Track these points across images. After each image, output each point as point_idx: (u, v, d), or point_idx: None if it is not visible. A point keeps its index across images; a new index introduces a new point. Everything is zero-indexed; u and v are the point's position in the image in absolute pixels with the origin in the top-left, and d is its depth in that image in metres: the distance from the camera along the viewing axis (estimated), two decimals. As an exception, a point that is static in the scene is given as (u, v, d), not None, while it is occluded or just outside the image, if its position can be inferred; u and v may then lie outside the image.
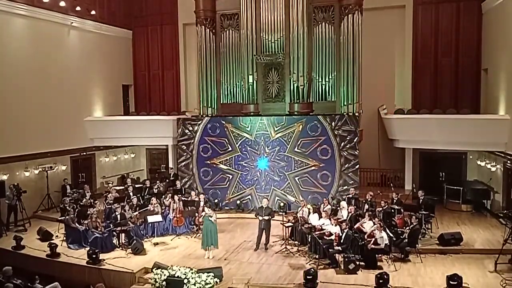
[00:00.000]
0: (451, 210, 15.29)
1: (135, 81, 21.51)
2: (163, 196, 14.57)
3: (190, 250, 12.06)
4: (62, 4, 16.50)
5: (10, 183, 14.44)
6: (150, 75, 21.37)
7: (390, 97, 17.97)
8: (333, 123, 15.04)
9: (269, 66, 16.43)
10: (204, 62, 16.98)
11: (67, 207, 13.55)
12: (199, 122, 16.53)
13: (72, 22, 17.46)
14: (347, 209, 12.53)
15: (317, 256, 11.02)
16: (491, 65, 15.84)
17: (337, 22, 15.66)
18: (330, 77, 15.80)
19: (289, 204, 15.52)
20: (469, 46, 17.05)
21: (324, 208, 12.90)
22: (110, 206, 13.83)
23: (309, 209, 12.86)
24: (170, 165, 18.63)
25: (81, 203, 14.41)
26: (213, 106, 17.09)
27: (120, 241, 12.40)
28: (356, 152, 14.93)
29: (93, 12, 18.43)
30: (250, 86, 16.23)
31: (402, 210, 12.75)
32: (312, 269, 9.76)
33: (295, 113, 15.65)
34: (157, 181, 16.77)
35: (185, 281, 9.38)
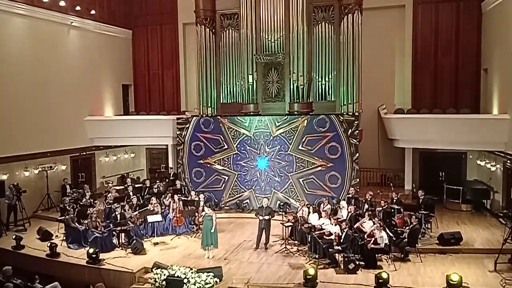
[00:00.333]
0: (451, 210, 15.29)
1: (135, 80, 21.51)
2: (163, 196, 14.57)
3: (190, 250, 12.06)
4: (62, 3, 16.51)
5: (10, 183, 14.44)
6: (150, 74, 21.37)
7: (390, 97, 17.97)
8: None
9: (269, 65, 16.43)
10: (204, 62, 16.98)
11: (67, 207, 13.54)
12: (187, 126, 16.25)
13: (72, 22, 17.46)
14: (347, 209, 12.52)
15: (317, 256, 11.02)
16: (491, 64, 15.84)
17: (337, 21, 15.67)
18: (330, 76, 15.80)
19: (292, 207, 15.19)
20: (469, 46, 17.05)
21: (324, 207, 12.91)
22: (110, 206, 13.82)
23: (308, 208, 12.87)
24: (170, 164, 18.62)
25: (81, 203, 14.40)
26: (213, 106, 17.09)
27: (120, 241, 12.40)
28: (356, 141, 14.69)
29: (93, 12, 18.44)
30: (250, 85, 16.23)
31: (402, 210, 12.74)
32: (312, 269, 9.76)
33: (295, 112, 15.64)
34: (157, 181, 16.76)
35: (185, 280, 9.38)
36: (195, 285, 9.34)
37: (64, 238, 12.64)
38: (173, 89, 21.07)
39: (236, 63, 16.70)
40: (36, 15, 15.84)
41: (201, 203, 13.74)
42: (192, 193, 14.78)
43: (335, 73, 15.74)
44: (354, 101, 15.29)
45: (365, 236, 10.98)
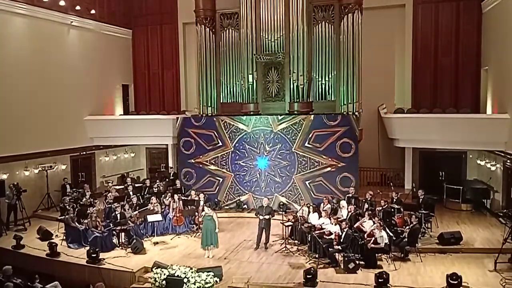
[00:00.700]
0: (451, 209, 15.28)
1: (135, 80, 21.51)
2: (163, 196, 14.57)
3: (190, 250, 12.06)
4: (62, 3, 16.51)
5: (10, 183, 14.44)
6: (150, 74, 21.37)
7: (390, 96, 17.97)
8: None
9: (269, 65, 16.42)
10: (204, 62, 16.98)
11: (67, 207, 13.55)
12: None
13: (72, 22, 17.45)
14: (347, 208, 12.53)
15: (317, 255, 11.02)
16: (491, 64, 15.84)
17: (337, 21, 15.66)
18: (330, 76, 15.80)
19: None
20: (469, 46, 17.04)
21: (324, 207, 12.91)
22: (110, 205, 13.83)
23: (308, 208, 12.87)
24: (170, 164, 18.62)
25: (81, 203, 14.40)
26: (213, 106, 17.08)
27: (120, 241, 12.40)
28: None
29: (92, 12, 18.44)
30: (250, 85, 16.22)
31: (402, 210, 12.74)
32: (312, 268, 9.76)
33: (295, 112, 15.62)
34: (157, 181, 16.74)
35: (185, 280, 9.38)
36: (195, 284, 9.34)
37: (64, 237, 12.64)
38: (173, 89, 21.07)
39: (236, 62, 16.70)
40: (36, 15, 15.84)
41: (201, 203, 13.73)
42: (192, 192, 14.76)
43: (335, 72, 15.73)
44: (354, 101, 15.28)
45: (365, 235, 10.97)
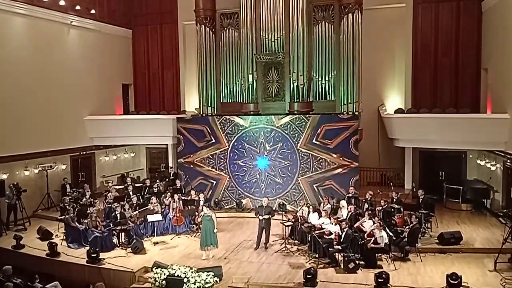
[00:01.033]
0: (451, 209, 15.28)
1: (135, 80, 21.51)
2: (163, 195, 14.56)
3: (190, 249, 12.06)
4: (62, 3, 16.49)
5: (10, 182, 14.44)
6: (150, 74, 21.36)
7: (390, 96, 17.97)
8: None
9: (269, 65, 16.41)
10: (204, 61, 16.97)
11: (67, 206, 13.55)
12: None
13: (72, 21, 17.45)
14: (347, 208, 12.52)
15: (317, 255, 11.02)
16: (491, 64, 15.84)
17: (337, 21, 15.66)
18: (330, 76, 15.78)
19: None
20: (469, 45, 17.05)
21: (324, 207, 12.91)
22: (110, 205, 13.83)
23: (308, 208, 12.86)
24: (170, 164, 18.62)
25: (81, 202, 14.41)
26: (213, 105, 17.07)
27: (120, 240, 12.40)
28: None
29: (92, 11, 18.43)
30: (250, 85, 16.21)
31: (402, 209, 12.74)
32: (312, 268, 9.77)
33: (295, 112, 15.62)
34: (157, 180, 16.73)
35: (185, 280, 9.39)
36: (195, 284, 9.34)
37: (64, 237, 12.64)
38: (173, 89, 21.07)
39: (236, 62, 16.69)
40: (36, 15, 15.83)
41: (201, 203, 13.73)
42: (192, 192, 14.75)
43: (335, 72, 15.72)
44: (354, 101, 15.26)
45: (365, 235, 10.97)
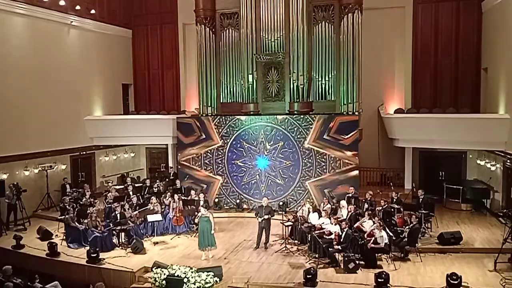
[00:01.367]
0: (450, 209, 15.28)
1: (135, 80, 21.50)
2: (163, 195, 14.56)
3: (190, 249, 12.05)
4: (62, 3, 16.48)
5: (10, 182, 14.43)
6: (150, 74, 21.36)
7: (390, 96, 17.97)
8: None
9: (269, 65, 16.40)
10: (204, 61, 16.96)
11: (67, 206, 13.54)
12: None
13: (72, 21, 17.45)
14: (347, 208, 12.52)
15: (317, 255, 11.02)
16: (491, 64, 15.85)
17: (337, 21, 15.65)
18: (330, 76, 15.77)
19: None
20: (469, 45, 17.06)
21: (324, 207, 12.91)
22: (110, 205, 13.82)
23: (308, 208, 12.86)
24: (170, 164, 18.62)
25: (81, 202, 14.41)
26: (213, 105, 17.06)
27: (120, 240, 12.40)
28: None
29: (92, 11, 18.43)
30: (250, 85, 16.20)
31: (401, 209, 12.75)
32: (312, 268, 9.76)
33: (295, 112, 15.61)
34: (157, 180, 16.75)
35: (185, 280, 9.39)
36: (195, 284, 9.35)
37: (64, 237, 12.64)
38: (173, 89, 21.06)
39: (236, 62, 16.68)
40: (36, 15, 15.83)
41: (201, 203, 13.72)
42: (192, 192, 14.74)
43: (335, 72, 15.71)
44: (354, 101, 15.25)
45: (365, 235, 10.98)
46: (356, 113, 15.14)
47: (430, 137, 15.00)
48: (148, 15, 20.94)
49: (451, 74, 17.35)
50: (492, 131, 13.92)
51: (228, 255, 11.60)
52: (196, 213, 13.45)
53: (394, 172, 17.20)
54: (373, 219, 11.27)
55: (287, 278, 10.01)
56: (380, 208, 12.63)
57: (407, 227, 11.40)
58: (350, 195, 13.77)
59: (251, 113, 16.10)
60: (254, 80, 16.21)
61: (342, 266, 10.37)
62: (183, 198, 14.27)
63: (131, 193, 14.88)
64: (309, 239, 11.55)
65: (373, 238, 10.70)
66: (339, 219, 11.74)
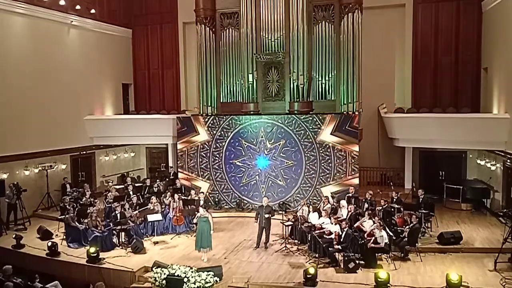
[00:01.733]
0: (450, 209, 15.28)
1: (135, 80, 21.51)
2: (163, 195, 14.57)
3: (190, 249, 12.03)
4: (62, 2, 16.49)
5: (10, 182, 14.43)
6: (150, 74, 21.37)
7: (390, 96, 17.98)
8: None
9: (269, 65, 16.40)
10: (204, 61, 16.96)
11: (67, 206, 13.56)
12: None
13: (72, 21, 17.45)
14: (347, 208, 12.52)
15: (317, 255, 11.03)
16: (491, 64, 15.84)
17: (337, 21, 15.65)
18: (330, 76, 15.77)
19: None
20: (469, 45, 17.05)
21: (324, 207, 12.91)
22: (110, 205, 13.83)
23: (308, 208, 12.86)
24: (170, 164, 18.63)
25: (81, 202, 14.42)
26: (213, 105, 17.05)
27: (120, 240, 12.41)
28: None
29: (92, 11, 18.43)
30: (250, 85, 16.19)
31: (402, 209, 12.75)
32: (312, 268, 9.76)
33: (295, 112, 15.60)
34: (157, 180, 16.76)
35: (185, 280, 9.39)
36: (195, 284, 9.35)
37: (64, 237, 12.65)
38: (173, 88, 21.07)
39: (236, 62, 16.68)
40: (36, 14, 15.83)
41: (201, 203, 13.72)
42: (192, 192, 14.75)
43: (335, 72, 15.70)
44: (354, 100, 15.25)
45: (365, 235, 10.97)
46: (356, 113, 15.14)
47: (430, 136, 14.99)
48: (148, 15, 20.95)
49: (451, 74, 17.35)
50: (492, 130, 13.92)
51: (228, 254, 11.60)
52: (196, 212, 13.48)
53: (394, 171, 17.21)
54: (373, 219, 11.27)
55: (287, 277, 10.01)
56: (380, 207, 12.64)
57: (407, 226, 11.41)
58: (350, 194, 13.79)
59: (251, 112, 16.10)
60: (254, 80, 16.21)
61: (342, 266, 10.37)
62: (183, 197, 14.27)
63: (131, 192, 14.89)
64: (309, 238, 11.56)
65: (373, 238, 10.70)
66: (339, 219, 11.74)
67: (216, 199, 15.86)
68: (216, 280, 9.61)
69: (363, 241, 10.73)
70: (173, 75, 21.02)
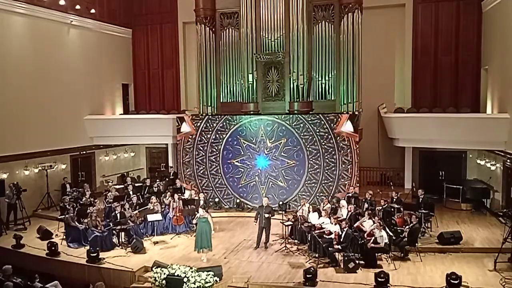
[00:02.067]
0: (450, 209, 15.28)
1: (135, 79, 21.51)
2: (163, 195, 14.57)
3: (190, 249, 12.02)
4: (62, 2, 16.49)
5: (10, 182, 14.43)
6: (150, 73, 21.37)
7: (390, 96, 17.98)
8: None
9: (269, 64, 16.40)
10: (204, 61, 16.96)
11: (67, 206, 13.57)
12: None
13: (72, 21, 17.45)
14: (347, 208, 12.52)
15: (316, 255, 11.02)
16: (491, 63, 15.84)
17: (337, 20, 15.65)
18: (330, 75, 15.77)
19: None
20: (469, 45, 17.05)
21: (323, 207, 12.91)
22: (110, 204, 13.83)
23: (308, 207, 12.86)
24: (170, 163, 18.63)
25: (81, 202, 14.43)
26: (213, 105, 17.06)
27: (120, 240, 12.40)
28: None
29: (92, 11, 18.43)
30: (250, 85, 16.19)
31: (401, 209, 12.75)
32: (311, 268, 9.77)
33: (295, 112, 15.60)
34: (157, 180, 16.76)
35: (185, 279, 9.38)
36: (195, 284, 9.34)
37: (64, 237, 12.65)
38: (173, 88, 21.08)
39: (236, 62, 16.68)
40: (36, 14, 15.82)
41: (201, 203, 13.72)
42: (192, 192, 14.73)
43: (335, 72, 15.70)
44: (354, 100, 15.26)
45: (365, 235, 10.98)
46: (356, 112, 15.14)
47: (430, 136, 14.99)
48: (148, 15, 20.95)
49: (451, 74, 17.35)
50: (492, 130, 13.91)
51: (228, 254, 11.59)
52: (196, 213, 13.47)
53: (394, 171, 17.20)
54: (373, 219, 11.26)
55: (287, 277, 10.01)
56: (380, 207, 12.63)
57: (407, 226, 11.41)
58: (350, 194, 13.79)
59: (251, 112, 16.09)
60: (254, 80, 16.20)
61: (342, 266, 10.37)
62: (183, 197, 14.27)
63: (131, 192, 14.89)
64: (309, 238, 11.56)
65: (373, 238, 10.70)
66: (339, 219, 11.73)
67: (217, 199, 15.83)
68: (216, 280, 9.60)
69: (363, 241, 10.74)
70: (173, 75, 21.02)
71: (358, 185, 14.31)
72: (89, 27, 18.42)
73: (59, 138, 16.80)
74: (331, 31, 15.72)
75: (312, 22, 15.86)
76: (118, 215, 12.69)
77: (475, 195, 15.16)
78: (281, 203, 14.97)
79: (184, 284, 9.33)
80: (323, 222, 11.79)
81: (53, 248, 11.67)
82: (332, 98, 15.84)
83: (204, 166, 15.20)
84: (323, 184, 14.18)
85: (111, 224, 12.59)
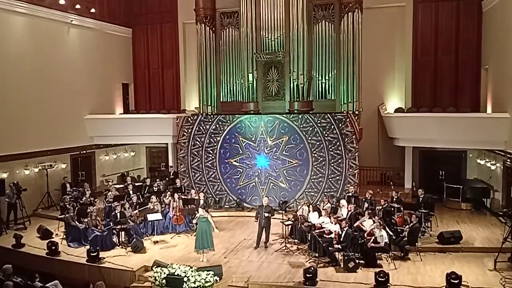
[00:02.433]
0: (450, 209, 15.28)
1: (135, 79, 21.50)
2: (163, 194, 14.57)
3: (190, 249, 12.01)
4: (62, 2, 16.49)
5: (10, 181, 14.43)
6: (150, 73, 21.36)
7: (390, 96, 17.97)
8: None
9: (269, 64, 16.40)
10: (204, 61, 16.96)
11: (67, 205, 13.56)
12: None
13: (72, 20, 17.44)
14: (347, 208, 12.51)
15: (316, 255, 11.02)
16: (491, 63, 15.84)
17: (337, 20, 15.65)
18: (330, 75, 15.78)
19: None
20: (469, 45, 17.05)
21: (323, 206, 12.91)
22: (110, 204, 13.83)
23: (308, 207, 12.86)
24: (170, 163, 18.64)
25: (81, 201, 14.42)
26: (213, 105, 17.06)
27: (120, 239, 12.41)
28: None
29: (92, 10, 18.42)
30: (250, 84, 16.20)
31: (402, 209, 12.75)
32: (311, 267, 9.77)
33: (295, 111, 15.60)
34: (157, 179, 16.75)
35: (185, 279, 9.38)
36: (195, 283, 9.34)
37: (64, 236, 12.65)
38: (173, 88, 21.07)
39: (236, 61, 16.68)
40: (36, 14, 15.82)
41: (201, 202, 13.72)
42: (192, 191, 14.74)
43: (335, 71, 15.71)
44: (354, 100, 15.26)
45: (365, 234, 10.98)
46: (357, 112, 15.14)
47: (430, 136, 14.99)
48: (148, 14, 20.94)
49: (451, 73, 17.34)
50: (492, 130, 13.92)
51: (228, 254, 11.59)
52: (196, 212, 13.46)
53: (394, 171, 17.20)
54: (373, 218, 11.27)
55: (287, 277, 10.01)
56: (380, 207, 12.64)
57: (407, 226, 11.42)
58: (350, 194, 13.78)
59: (251, 112, 16.09)
60: (254, 79, 16.21)
61: (342, 265, 10.37)
62: (183, 197, 14.27)
63: (131, 192, 14.87)
64: (309, 238, 11.56)
65: (373, 237, 10.71)
66: (339, 218, 11.73)
67: (217, 199, 15.83)
68: (216, 280, 9.60)
69: (363, 241, 10.74)
70: (173, 75, 21.01)
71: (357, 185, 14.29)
72: (89, 27, 18.41)
73: (59, 137, 16.80)
74: (331, 31, 15.73)
75: (312, 22, 15.87)
76: (118, 214, 12.70)
77: (475, 195, 15.16)
78: (281, 202, 14.98)
79: (184, 283, 9.34)
80: (323, 222, 11.80)
81: (53, 247, 11.67)
82: (332, 98, 15.85)
83: (201, 172, 15.08)
84: (330, 179, 13.62)
85: (111, 223, 12.59)
